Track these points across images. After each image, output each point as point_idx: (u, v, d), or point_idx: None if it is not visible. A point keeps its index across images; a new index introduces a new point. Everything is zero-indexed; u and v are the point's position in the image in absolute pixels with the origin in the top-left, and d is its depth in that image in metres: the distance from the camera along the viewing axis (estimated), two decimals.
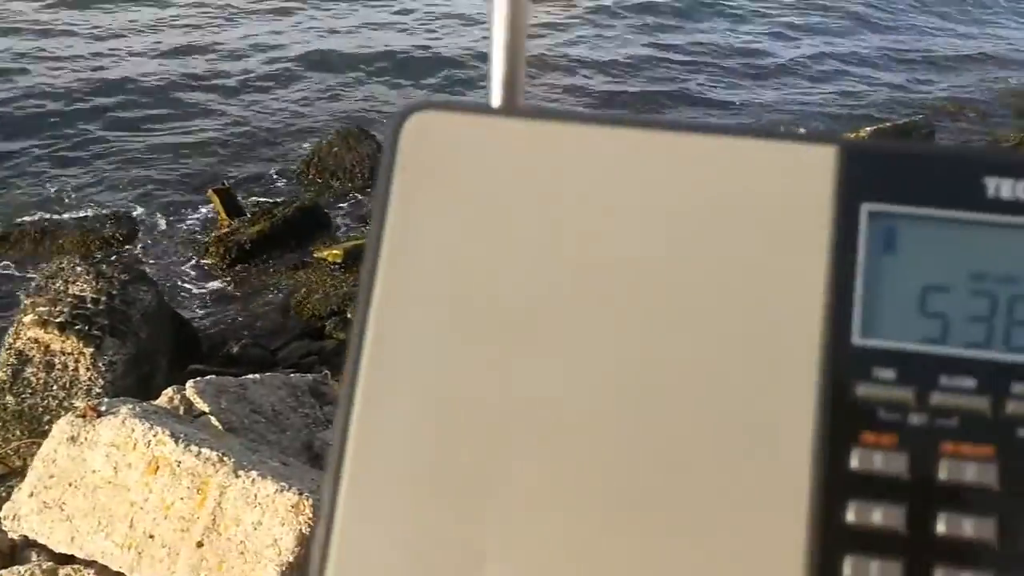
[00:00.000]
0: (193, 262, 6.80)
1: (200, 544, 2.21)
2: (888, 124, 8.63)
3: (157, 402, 2.78)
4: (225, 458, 2.30)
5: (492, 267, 0.54)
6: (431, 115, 0.57)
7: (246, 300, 6.31)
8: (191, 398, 2.80)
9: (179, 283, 6.55)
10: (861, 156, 0.53)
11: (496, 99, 0.65)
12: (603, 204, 0.54)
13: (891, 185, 0.53)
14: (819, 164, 0.53)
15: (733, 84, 10.43)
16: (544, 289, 0.53)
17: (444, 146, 0.56)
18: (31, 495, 2.41)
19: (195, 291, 6.47)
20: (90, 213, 7.33)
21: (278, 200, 7.42)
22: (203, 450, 2.31)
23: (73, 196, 7.59)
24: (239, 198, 7.31)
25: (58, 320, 4.31)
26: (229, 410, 2.73)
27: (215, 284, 6.55)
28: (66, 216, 7.27)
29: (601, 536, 0.50)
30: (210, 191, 7.28)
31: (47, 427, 2.65)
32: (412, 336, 0.53)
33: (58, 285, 4.55)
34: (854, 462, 0.49)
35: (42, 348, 4.24)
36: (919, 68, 11.24)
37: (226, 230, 6.96)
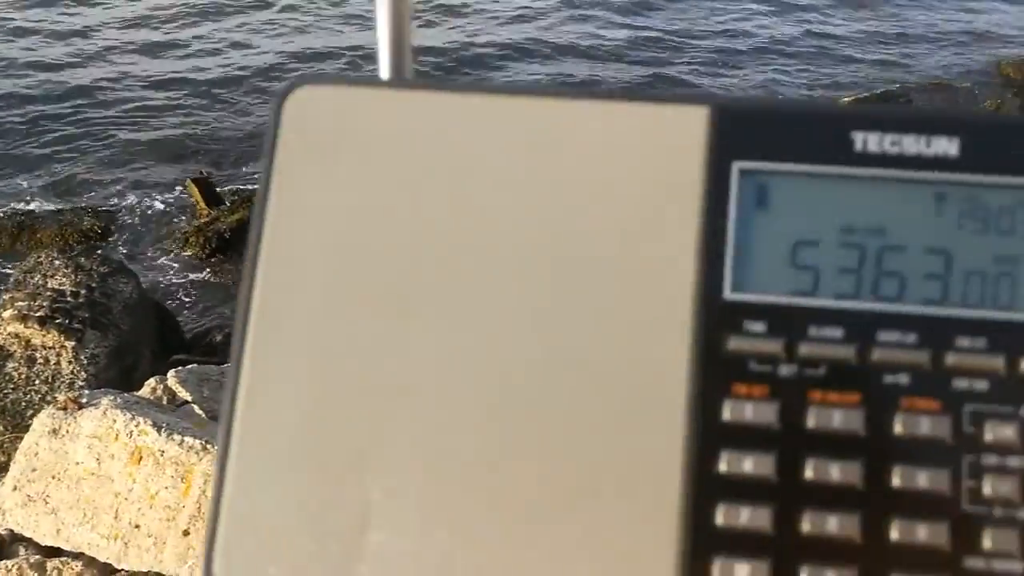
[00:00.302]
0: (173, 253, 6.77)
1: (186, 532, 2.20)
2: (867, 94, 8.64)
3: (139, 393, 2.77)
4: (209, 446, 2.29)
5: (373, 238, 0.55)
6: (316, 89, 0.58)
7: (227, 289, 6.28)
8: (173, 387, 2.79)
9: (160, 274, 6.52)
10: (732, 115, 0.54)
11: (384, 71, 0.65)
12: (483, 172, 0.55)
13: (761, 143, 0.54)
14: (691, 124, 0.54)
15: (716, 65, 10.40)
16: (421, 257, 0.54)
17: (328, 119, 0.57)
18: (15, 489, 2.40)
19: (176, 281, 6.43)
20: (67, 207, 7.27)
21: (257, 188, 7.38)
22: (186, 439, 2.30)
23: (49, 190, 7.52)
24: (217, 187, 7.26)
25: (38, 314, 4.27)
26: (212, 398, 2.72)
27: (196, 274, 6.51)
28: (43, 210, 7.21)
29: (479, 498, 0.51)
30: (188, 181, 7.23)
31: (30, 421, 2.63)
32: (295, 311, 0.54)
33: (37, 279, 4.52)
34: (726, 413, 0.50)
35: (23, 343, 4.21)
36: (904, 44, 11.21)
37: (205, 220, 6.92)
